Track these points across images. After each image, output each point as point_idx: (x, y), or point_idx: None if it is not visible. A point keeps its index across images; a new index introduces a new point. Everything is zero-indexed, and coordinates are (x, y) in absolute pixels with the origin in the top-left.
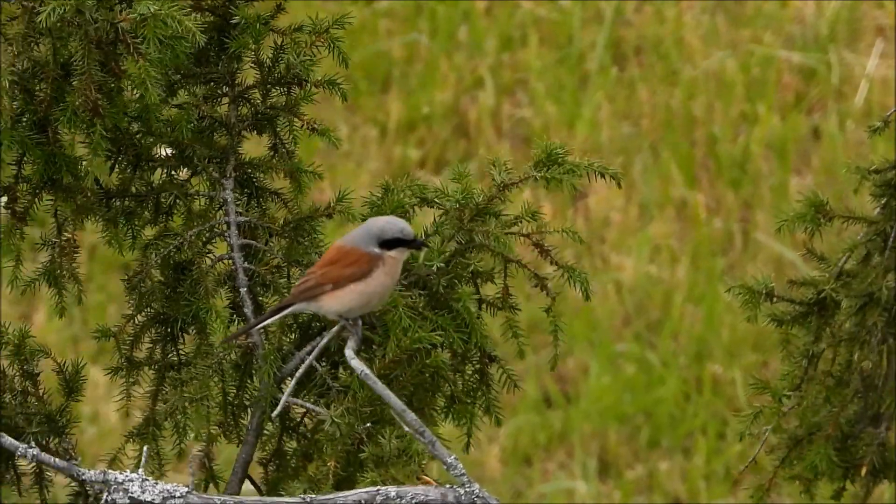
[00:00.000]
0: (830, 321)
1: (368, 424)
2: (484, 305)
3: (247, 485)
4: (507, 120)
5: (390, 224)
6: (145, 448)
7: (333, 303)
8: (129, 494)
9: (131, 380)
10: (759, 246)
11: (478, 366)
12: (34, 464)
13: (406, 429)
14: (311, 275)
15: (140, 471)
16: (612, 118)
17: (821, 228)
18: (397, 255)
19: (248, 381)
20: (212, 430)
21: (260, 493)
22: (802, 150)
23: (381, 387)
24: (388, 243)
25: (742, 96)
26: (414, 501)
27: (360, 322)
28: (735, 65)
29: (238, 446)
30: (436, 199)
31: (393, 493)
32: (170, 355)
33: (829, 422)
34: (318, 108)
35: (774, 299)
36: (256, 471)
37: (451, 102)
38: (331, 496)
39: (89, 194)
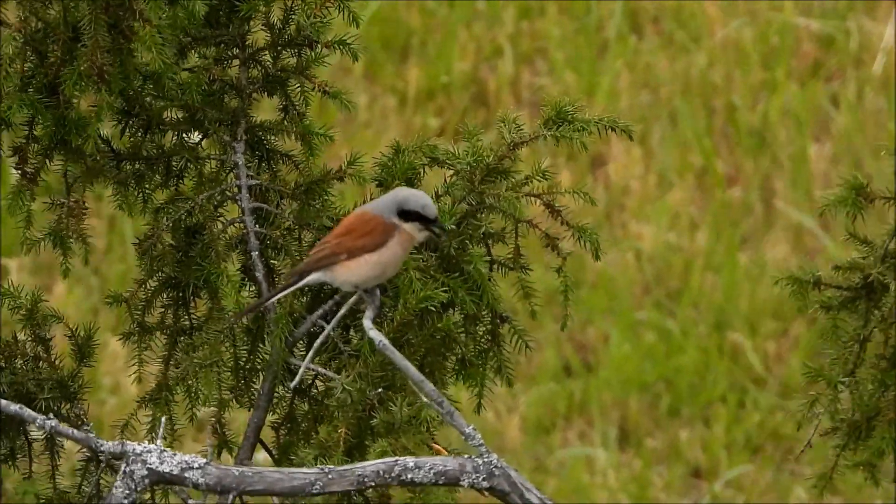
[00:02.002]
0: (879, 304)
1: (380, 390)
2: (495, 266)
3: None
4: (527, 88)
5: (415, 197)
6: (163, 419)
7: (348, 273)
8: (148, 465)
9: (143, 345)
10: (778, 214)
11: (489, 327)
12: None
13: (424, 399)
14: (326, 244)
15: (158, 441)
16: (631, 86)
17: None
18: (411, 230)
19: (260, 345)
20: (224, 395)
21: (272, 457)
22: (821, 118)
23: (399, 357)
24: (407, 215)
25: (761, 64)
26: (432, 472)
27: (377, 291)
28: (753, 33)
29: (250, 411)
30: (447, 161)
31: (411, 464)
32: (181, 320)
33: (889, 405)
34: (336, 77)
35: (822, 287)
36: (268, 435)
37: (471, 71)
38: (349, 467)
39: (97, 156)
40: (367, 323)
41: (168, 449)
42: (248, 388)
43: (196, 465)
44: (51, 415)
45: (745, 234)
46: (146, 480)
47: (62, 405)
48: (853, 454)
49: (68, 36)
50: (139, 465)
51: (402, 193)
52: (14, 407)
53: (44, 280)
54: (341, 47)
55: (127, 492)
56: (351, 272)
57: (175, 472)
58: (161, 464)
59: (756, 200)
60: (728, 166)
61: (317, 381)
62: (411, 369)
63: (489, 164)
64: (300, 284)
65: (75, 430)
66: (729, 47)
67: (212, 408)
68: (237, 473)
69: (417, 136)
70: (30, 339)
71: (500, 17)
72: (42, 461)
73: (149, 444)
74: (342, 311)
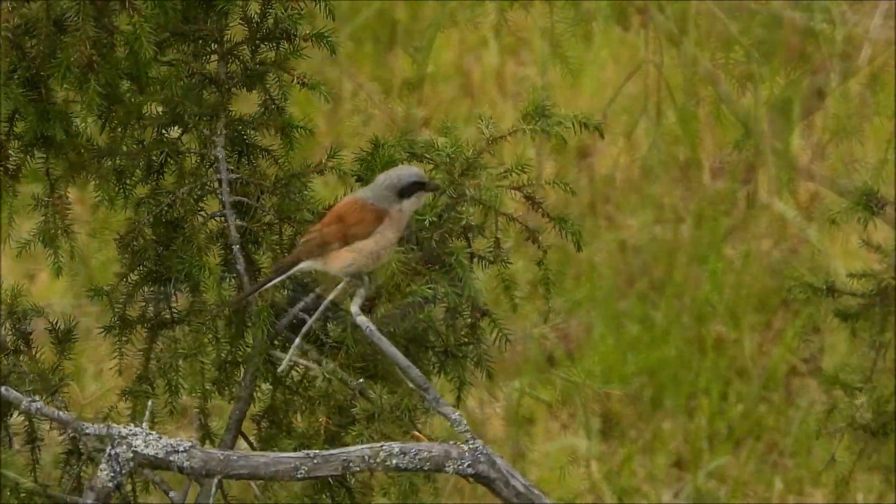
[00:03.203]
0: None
1: (361, 380)
2: (476, 260)
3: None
4: (511, 79)
5: (405, 171)
6: (149, 402)
7: (339, 262)
8: (133, 448)
9: (124, 338)
10: (762, 206)
11: (469, 320)
12: (27, 423)
13: (410, 385)
14: (316, 232)
15: (144, 425)
16: (616, 78)
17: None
18: (415, 202)
19: (241, 337)
20: (206, 387)
21: (253, 449)
22: (806, 110)
23: (386, 343)
24: (407, 190)
25: (746, 56)
26: (417, 458)
27: (365, 278)
28: (739, 25)
29: (230, 403)
30: (425, 154)
31: (397, 449)
32: (163, 313)
33: None
34: (322, 65)
35: (836, 294)
36: (248, 427)
37: (456, 62)
38: (334, 452)
39: (82, 151)
40: (354, 309)
41: (153, 432)
42: (230, 380)
43: (181, 449)
44: (35, 396)
45: (729, 226)
46: (131, 463)
47: (43, 398)
48: (868, 458)
49: (50, 30)
50: (124, 447)
51: (391, 174)
52: None
53: (28, 267)
54: (319, 41)
55: (112, 474)
56: (343, 260)
57: (160, 456)
58: (146, 447)
59: (740, 192)
60: (713, 158)
61: (296, 371)
62: (398, 355)
63: (468, 157)
64: (291, 272)
65: (60, 412)
66: (715, 39)
67: (195, 398)
68: (222, 457)
69: (400, 128)
70: (10, 333)
71: (486, 7)
72: (22, 455)
73: (134, 427)
74: (330, 297)
